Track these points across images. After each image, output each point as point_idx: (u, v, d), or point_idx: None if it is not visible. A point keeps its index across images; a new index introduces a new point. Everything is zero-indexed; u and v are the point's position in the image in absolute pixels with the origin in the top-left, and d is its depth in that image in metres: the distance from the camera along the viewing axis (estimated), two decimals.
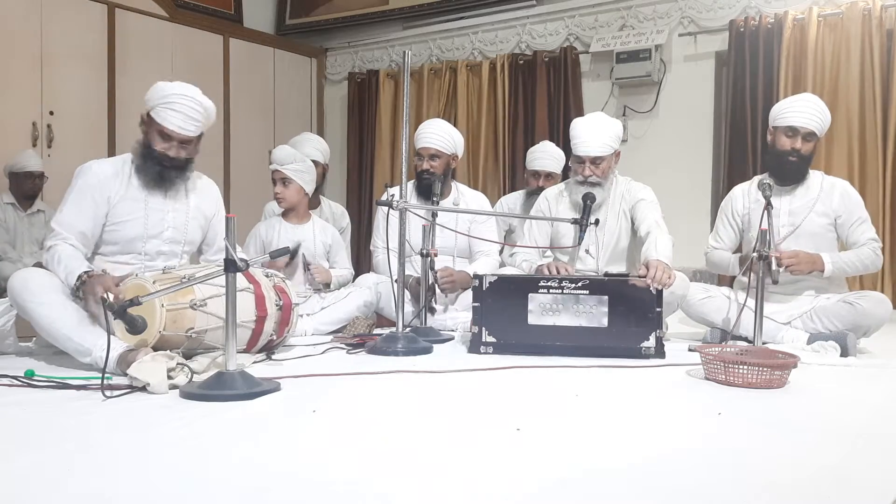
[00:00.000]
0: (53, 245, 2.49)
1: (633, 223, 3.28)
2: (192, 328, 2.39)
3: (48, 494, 1.28)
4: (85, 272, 2.37)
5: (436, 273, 3.23)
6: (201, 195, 2.81)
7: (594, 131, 3.17)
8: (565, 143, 4.43)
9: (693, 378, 2.41)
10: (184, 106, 2.56)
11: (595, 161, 3.18)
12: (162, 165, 2.61)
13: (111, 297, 2.16)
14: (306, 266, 3.47)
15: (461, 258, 3.64)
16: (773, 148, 3.15)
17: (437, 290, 3.31)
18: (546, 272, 3.03)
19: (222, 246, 2.85)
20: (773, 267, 2.74)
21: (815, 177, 3.18)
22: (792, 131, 3.08)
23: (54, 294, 2.38)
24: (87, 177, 2.58)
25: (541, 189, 4.19)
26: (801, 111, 3.08)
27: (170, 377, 2.09)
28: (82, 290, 2.34)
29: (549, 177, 4.24)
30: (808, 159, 3.13)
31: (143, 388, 2.04)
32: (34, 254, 4.77)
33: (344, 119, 6.78)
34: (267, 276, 2.74)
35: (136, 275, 2.46)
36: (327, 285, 3.55)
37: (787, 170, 3.11)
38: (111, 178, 2.60)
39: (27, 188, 4.88)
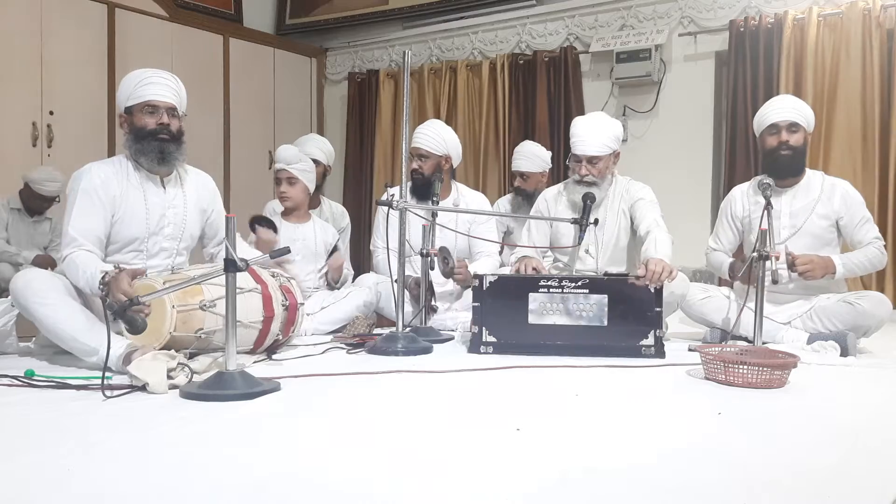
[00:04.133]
0: (70, 253, 2.46)
1: (632, 222, 3.29)
2: (202, 329, 2.40)
3: (48, 494, 1.28)
4: (102, 278, 2.30)
5: (450, 261, 3.22)
6: (198, 189, 2.81)
7: (593, 131, 3.17)
8: (565, 143, 4.44)
9: (693, 378, 2.41)
10: (157, 78, 2.64)
11: (591, 160, 3.17)
12: (159, 139, 2.60)
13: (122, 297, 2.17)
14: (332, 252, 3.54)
15: (461, 258, 3.64)
16: (764, 149, 3.19)
17: (446, 285, 3.33)
18: (521, 270, 3.04)
19: (223, 238, 2.86)
20: (773, 267, 2.74)
21: (815, 177, 3.18)
22: (774, 128, 3.11)
23: (58, 294, 2.38)
24: (89, 179, 2.57)
25: (519, 189, 4.22)
26: (775, 108, 3.15)
27: (170, 377, 2.09)
28: (108, 292, 2.28)
29: (524, 176, 4.23)
30: (802, 151, 3.14)
31: (143, 388, 2.04)
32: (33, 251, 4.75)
33: (344, 119, 6.78)
34: (273, 276, 2.74)
35: (147, 275, 2.47)
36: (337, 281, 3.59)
37: (782, 163, 3.11)
38: (112, 177, 2.60)
39: (35, 205, 4.78)
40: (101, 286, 2.29)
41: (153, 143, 2.60)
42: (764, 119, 3.15)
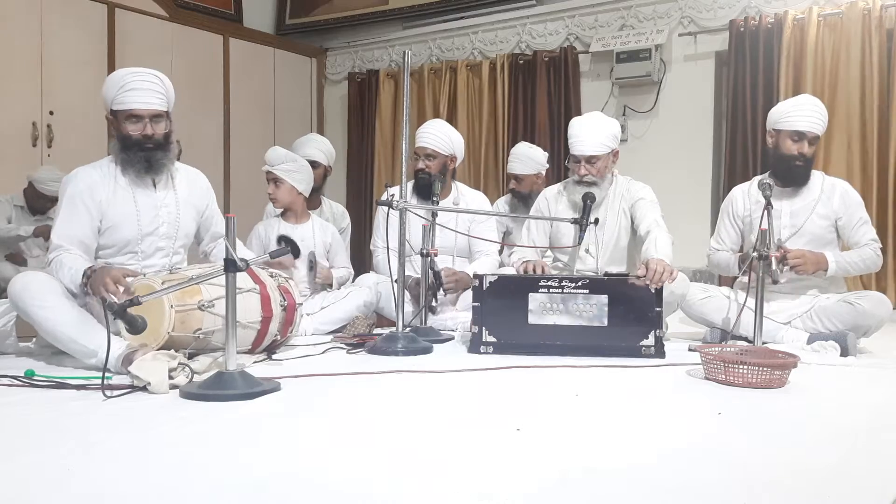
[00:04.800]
0: (55, 256, 2.48)
1: (632, 222, 3.29)
2: (200, 329, 2.40)
3: (48, 494, 1.28)
4: (89, 268, 2.37)
5: (438, 272, 3.22)
6: (190, 186, 2.79)
7: (590, 131, 3.17)
8: (565, 143, 4.44)
9: (693, 378, 2.41)
10: (140, 82, 2.54)
11: (590, 160, 3.18)
12: (145, 150, 2.57)
13: (121, 289, 2.19)
14: (311, 266, 3.47)
15: (461, 258, 3.65)
16: (778, 151, 3.14)
17: (440, 292, 3.32)
18: (531, 270, 3.03)
19: (217, 233, 2.86)
20: (773, 266, 2.74)
21: (815, 177, 3.18)
22: (798, 135, 3.07)
23: (56, 297, 2.38)
24: (75, 184, 2.56)
25: (514, 191, 4.24)
26: (807, 115, 3.07)
27: (170, 377, 2.09)
28: (90, 285, 2.33)
29: (518, 179, 4.24)
30: (812, 161, 3.15)
31: (144, 388, 2.04)
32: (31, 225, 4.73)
33: (344, 119, 6.78)
34: (272, 276, 2.74)
35: (145, 275, 2.46)
36: (329, 286, 3.56)
37: (795, 174, 3.11)
38: (98, 182, 2.58)
39: (38, 205, 4.81)
40: (85, 280, 2.33)
41: (139, 153, 2.57)
42: (790, 120, 3.08)
